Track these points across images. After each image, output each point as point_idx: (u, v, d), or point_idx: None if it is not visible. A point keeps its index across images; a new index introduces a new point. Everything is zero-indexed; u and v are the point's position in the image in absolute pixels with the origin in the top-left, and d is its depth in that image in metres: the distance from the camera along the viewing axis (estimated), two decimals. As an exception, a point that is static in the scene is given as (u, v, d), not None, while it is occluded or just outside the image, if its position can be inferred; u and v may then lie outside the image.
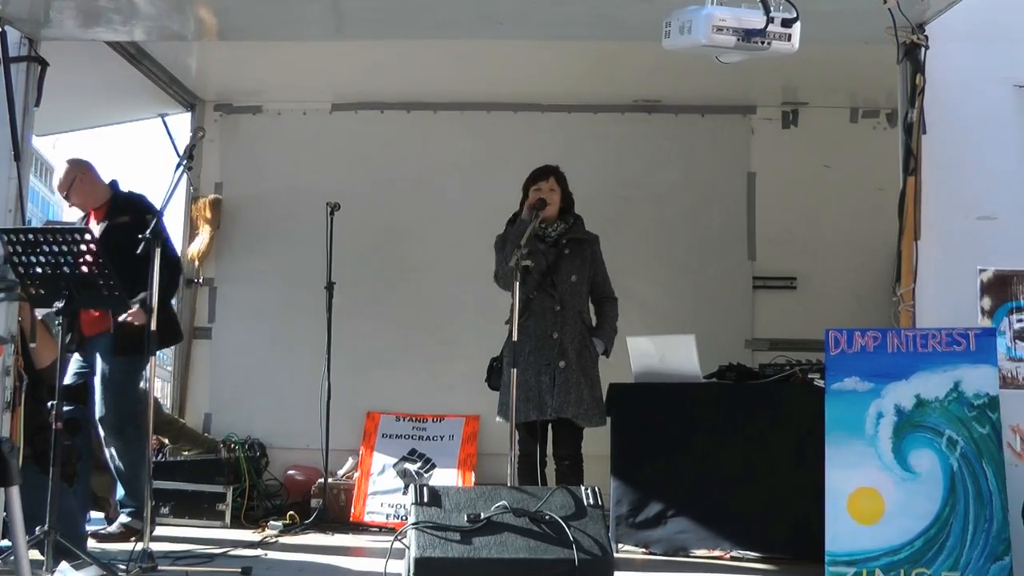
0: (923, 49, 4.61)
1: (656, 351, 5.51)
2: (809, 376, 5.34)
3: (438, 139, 7.27)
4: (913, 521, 4.22)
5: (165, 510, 6.22)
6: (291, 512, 6.30)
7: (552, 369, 5.43)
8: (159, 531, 5.67)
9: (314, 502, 6.47)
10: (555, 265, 5.53)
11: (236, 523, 6.25)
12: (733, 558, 5.33)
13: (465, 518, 4.34)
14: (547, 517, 4.35)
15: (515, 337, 5.08)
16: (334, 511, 6.47)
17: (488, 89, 7.07)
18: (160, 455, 6.44)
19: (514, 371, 5.06)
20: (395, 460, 6.73)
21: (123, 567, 4.52)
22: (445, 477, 6.59)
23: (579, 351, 5.50)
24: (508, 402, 5.21)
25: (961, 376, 4.28)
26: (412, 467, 6.68)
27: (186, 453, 6.59)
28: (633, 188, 7.20)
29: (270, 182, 7.27)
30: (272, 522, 6.18)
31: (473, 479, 6.59)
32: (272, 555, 5.37)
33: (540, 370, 5.43)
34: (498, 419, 5.57)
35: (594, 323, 5.68)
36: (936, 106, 4.65)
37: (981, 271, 4.63)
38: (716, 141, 7.24)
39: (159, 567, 4.68)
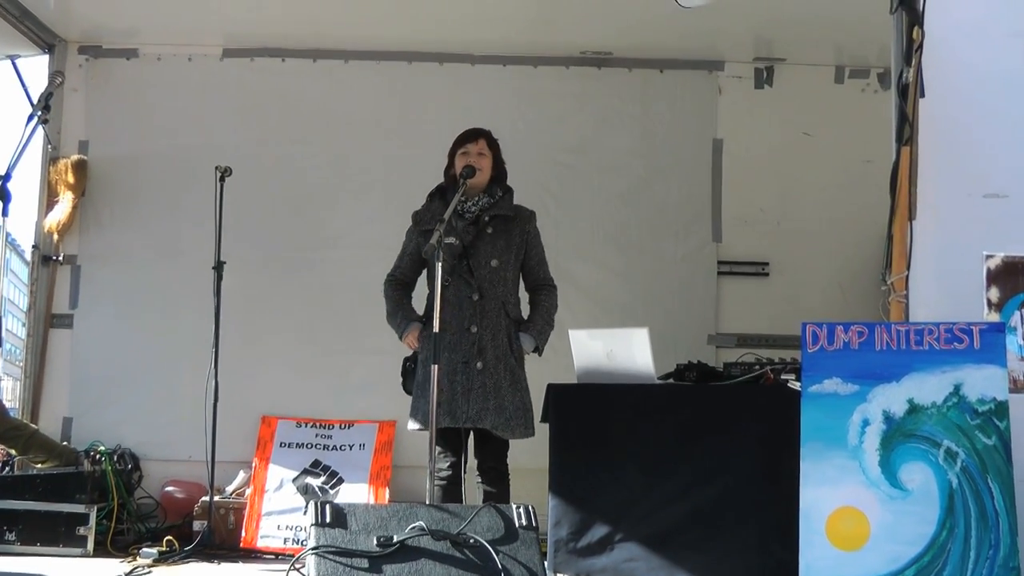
0: (921, -3, 4.62)
1: (603, 346, 5.47)
2: (782, 377, 5.29)
3: (349, 94, 7.26)
4: (903, 547, 4.21)
5: (11, 536, 6.12)
6: (169, 537, 6.22)
7: (469, 370, 5.44)
8: (1, 563, 5.59)
9: (197, 525, 6.43)
10: (473, 246, 5.52)
11: (101, 551, 6.18)
12: (691, 591, 5.30)
13: (375, 541, 4.34)
14: (471, 541, 4.37)
15: (436, 328, 5.09)
16: (221, 535, 6.45)
17: (409, 36, 7.07)
18: (6, 468, 6.39)
19: (435, 368, 5.05)
20: (295, 474, 6.75)
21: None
22: (355, 494, 6.61)
23: (501, 350, 5.51)
24: (422, 406, 5.24)
25: (963, 378, 4.28)
26: (315, 482, 6.70)
27: (39, 466, 6.54)
28: (578, 155, 7.25)
29: (147, 141, 7.22)
30: (145, 549, 6.10)
31: (388, 496, 6.61)
32: (144, 589, 5.31)
33: (455, 369, 5.43)
34: (410, 426, 5.56)
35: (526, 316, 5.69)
36: (936, 64, 4.65)
37: (988, 257, 4.64)
38: (677, 102, 7.30)
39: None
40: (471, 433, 5.55)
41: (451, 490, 5.40)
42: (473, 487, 5.56)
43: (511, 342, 5.56)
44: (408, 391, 5.63)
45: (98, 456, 6.54)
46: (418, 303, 5.65)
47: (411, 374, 5.61)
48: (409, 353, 5.63)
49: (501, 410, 5.45)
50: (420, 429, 5.44)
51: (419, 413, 5.43)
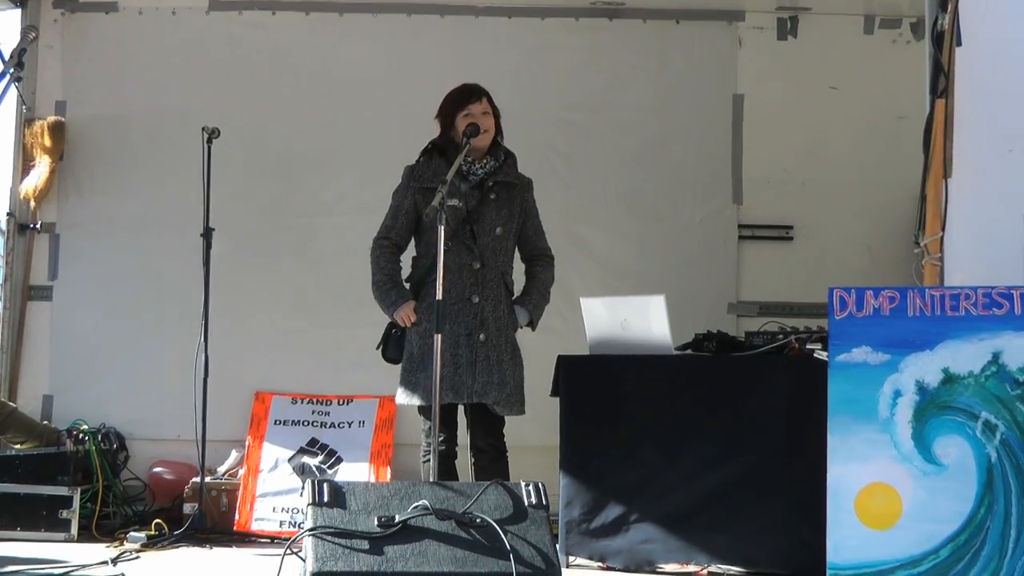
0: (959, -65, 4.60)
1: (617, 315, 5.49)
2: (808, 347, 5.32)
3: (344, 49, 7.23)
4: (938, 525, 4.20)
5: (-10, 520, 6.17)
6: (157, 520, 6.23)
7: (472, 342, 5.44)
8: (-19, 546, 5.63)
9: (187, 507, 6.45)
10: (477, 212, 5.50)
11: (85, 535, 6.20)
12: (711, 574, 5.33)
13: (375, 521, 4.32)
14: (478, 520, 4.34)
15: (439, 295, 5.07)
16: (213, 518, 6.47)
17: (408, -14, 7.06)
18: (-16, 449, 6.44)
19: (438, 337, 5.05)
20: (291, 453, 6.77)
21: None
22: (354, 474, 6.63)
23: (502, 321, 5.53)
24: (422, 380, 5.25)
25: (1002, 346, 4.24)
26: (312, 462, 6.72)
27: (18, 446, 6.55)
28: (589, 114, 7.22)
29: (129, 101, 7.19)
30: (132, 534, 6.12)
31: (389, 476, 6.63)
32: None
33: (457, 341, 5.43)
34: (405, 400, 5.57)
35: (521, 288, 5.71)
36: (974, 10, 4.61)
37: (1029, 216, 4.63)
38: (694, 55, 7.26)
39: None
40: (462, 410, 5.56)
41: (445, 466, 5.39)
42: (463, 468, 5.57)
43: (510, 314, 5.58)
44: (389, 359, 5.62)
45: (81, 436, 6.55)
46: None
47: (394, 341, 5.59)
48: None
49: (503, 385, 5.47)
50: (422, 405, 5.44)
51: (419, 388, 5.43)
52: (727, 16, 7.22)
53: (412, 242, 5.67)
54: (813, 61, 7.18)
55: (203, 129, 6.35)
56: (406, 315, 5.49)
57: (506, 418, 5.54)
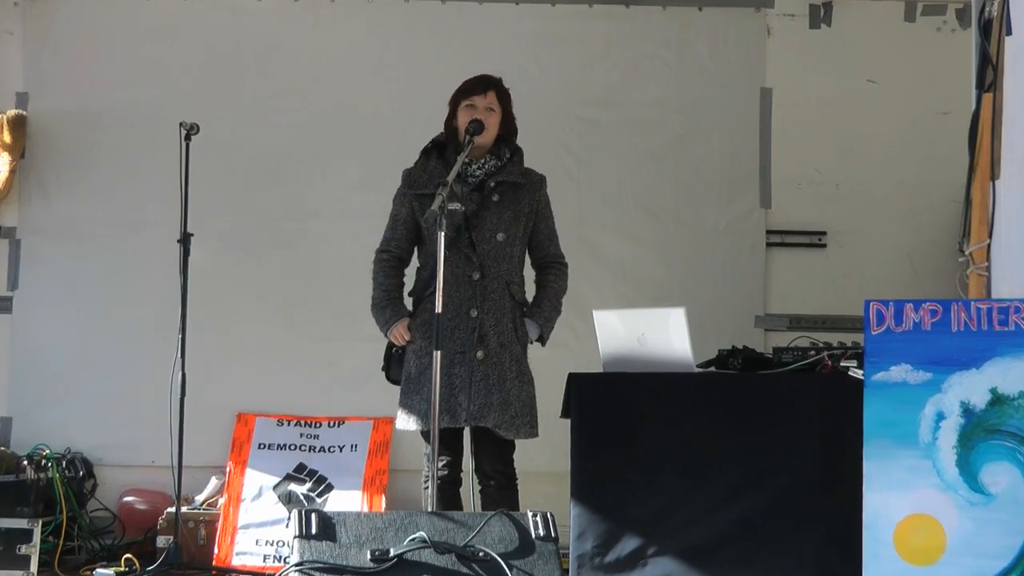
0: (1008, -86, 4.62)
1: (634, 330, 5.48)
2: (842, 364, 5.31)
3: (336, 38, 7.26)
4: (986, 561, 4.19)
5: (-59, 554, 6.18)
6: (128, 555, 6.26)
7: (468, 360, 5.45)
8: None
9: (161, 540, 6.44)
10: (476, 217, 5.52)
11: (47, 572, 6.18)
12: (736, 613, 5.32)
13: (368, 556, 4.36)
14: (480, 554, 4.39)
15: (438, 308, 5.10)
16: (190, 552, 6.48)
17: (406, -32, 7.09)
18: (-65, 476, 6.43)
19: (437, 354, 5.07)
20: (276, 480, 6.80)
21: None
22: (346, 502, 6.65)
23: (506, 336, 5.54)
24: (417, 403, 5.30)
25: (1057, 363, 4.28)
26: (300, 489, 6.74)
27: None
28: (605, 109, 7.25)
29: (98, 93, 7.21)
30: (100, 570, 6.14)
31: (384, 504, 6.65)
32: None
33: (452, 360, 5.44)
34: (403, 425, 5.60)
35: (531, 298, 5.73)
36: (1027, -3, 4.65)
37: (1086, 222, 4.62)
38: (719, 45, 7.30)
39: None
40: (466, 433, 5.58)
41: (448, 494, 5.42)
42: (466, 495, 5.61)
43: (516, 328, 5.59)
44: (391, 380, 5.66)
45: (43, 462, 6.56)
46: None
47: (395, 360, 5.63)
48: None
49: (506, 406, 5.47)
50: (406, 429, 5.48)
51: (415, 411, 5.45)
52: (754, 2, 7.25)
53: (416, 254, 5.70)
54: (849, 52, 7.20)
55: (181, 125, 6.34)
56: (399, 334, 5.52)
57: (516, 442, 5.56)
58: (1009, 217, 4.57)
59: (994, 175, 4.61)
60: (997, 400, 4.26)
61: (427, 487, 5.36)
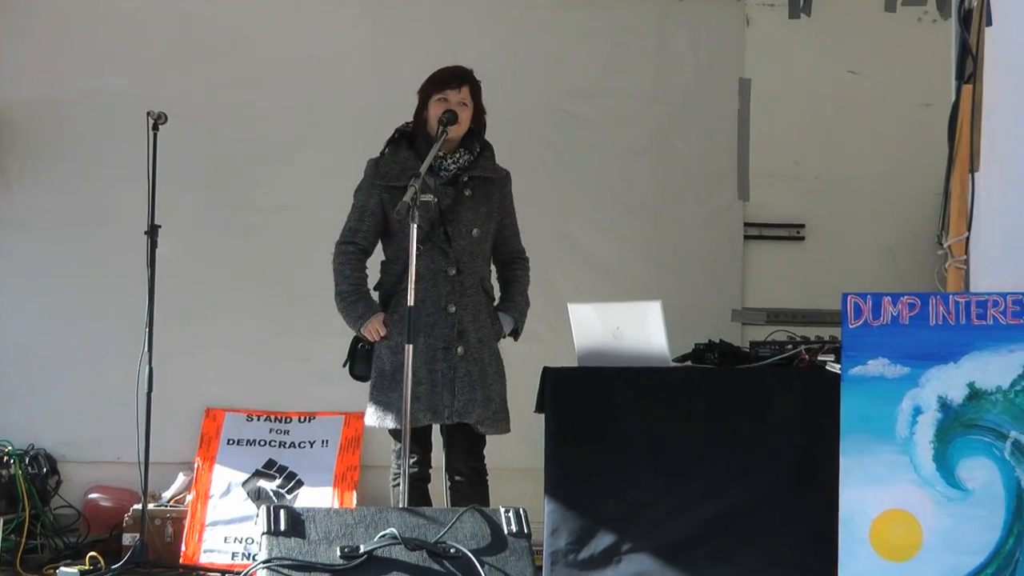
0: (989, -98, 4.62)
1: (609, 323, 5.51)
2: (819, 358, 5.36)
3: (309, 26, 7.24)
4: (963, 556, 4.22)
5: (-100, 554, 6.17)
6: (93, 553, 6.24)
7: (450, 356, 5.47)
8: None
9: (127, 538, 6.43)
10: (452, 211, 5.53)
11: (8, 571, 6.17)
12: (713, 611, 5.36)
13: (338, 552, 4.35)
14: (451, 551, 4.37)
15: (411, 301, 5.10)
16: (157, 550, 6.46)
17: (379, -45, 7.08)
18: None
19: (409, 348, 5.07)
20: (245, 476, 6.79)
21: None
22: (316, 499, 6.65)
23: (484, 332, 5.57)
24: (395, 400, 5.25)
25: (1035, 358, 4.29)
26: (269, 486, 6.73)
27: None
28: (583, 101, 7.26)
29: (63, 83, 7.15)
30: (64, 569, 6.12)
31: (355, 501, 6.65)
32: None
33: (434, 356, 5.45)
34: (376, 422, 5.59)
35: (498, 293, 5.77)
36: (1008, -13, 4.66)
37: (1066, 216, 4.65)
38: (698, 36, 7.32)
39: None
40: (438, 430, 5.59)
41: (418, 491, 5.42)
42: (436, 492, 5.60)
43: (492, 323, 5.62)
44: (357, 377, 5.66)
45: (6, 458, 6.54)
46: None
47: (361, 356, 5.62)
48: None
49: (488, 402, 5.50)
50: (394, 429, 5.47)
51: (392, 408, 5.44)
52: (734, -8, 7.28)
53: (380, 246, 5.70)
54: (828, 42, 7.22)
55: (148, 114, 6.34)
56: (375, 329, 5.51)
57: (487, 438, 5.58)
58: (988, 210, 4.58)
59: (973, 167, 4.61)
60: (975, 395, 4.29)
61: (397, 485, 5.37)
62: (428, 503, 5.50)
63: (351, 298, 5.57)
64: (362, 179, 5.66)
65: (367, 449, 6.77)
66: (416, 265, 5.22)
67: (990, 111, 4.62)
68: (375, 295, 5.64)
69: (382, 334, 5.50)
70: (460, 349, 5.48)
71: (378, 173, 5.60)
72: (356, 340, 5.64)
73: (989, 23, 4.62)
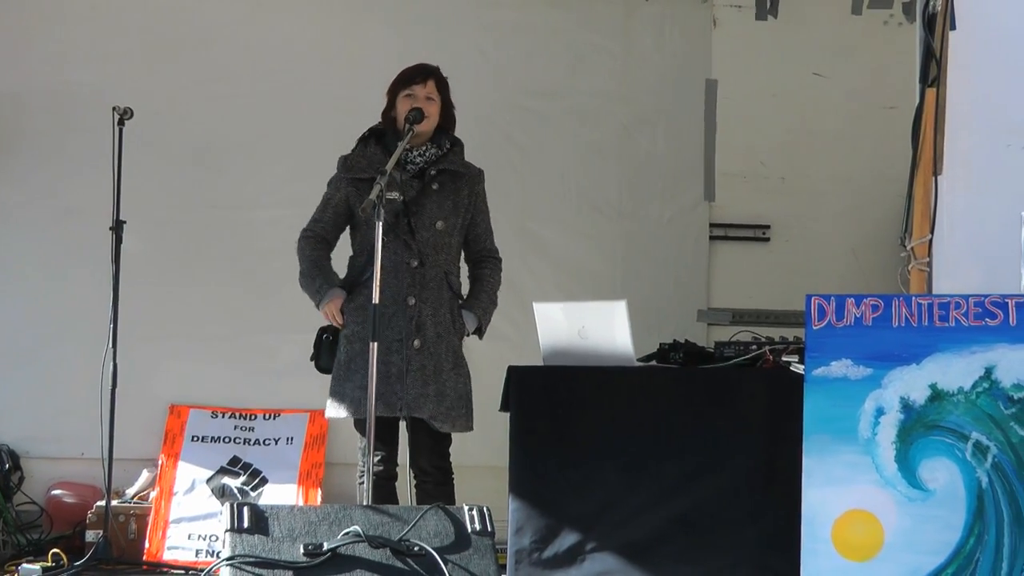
0: (953, -93, 4.64)
1: (574, 323, 5.50)
2: (783, 359, 5.34)
3: (276, 21, 7.23)
4: (923, 557, 4.22)
5: None
6: (55, 550, 6.22)
7: (405, 349, 5.46)
8: None
9: (91, 535, 6.44)
10: (416, 204, 5.52)
11: (-29, 567, 6.16)
12: (676, 610, 5.36)
13: (301, 550, 4.33)
14: (415, 548, 4.36)
15: (376, 299, 5.11)
16: (120, 547, 6.46)
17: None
18: None
19: (374, 346, 5.07)
20: (210, 473, 6.79)
21: None
22: (281, 496, 6.65)
23: (443, 327, 5.55)
24: (349, 391, 5.27)
25: (995, 360, 4.26)
26: (233, 483, 6.74)
27: None
28: (547, 100, 7.27)
29: (27, 77, 7.12)
30: (26, 566, 6.09)
31: (320, 498, 6.65)
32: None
33: (389, 348, 5.44)
34: (331, 412, 5.58)
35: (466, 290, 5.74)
36: (971, -8, 4.68)
37: (1028, 219, 4.67)
38: (664, 36, 7.33)
39: None
40: (402, 425, 5.57)
41: (384, 490, 5.42)
42: (403, 490, 5.59)
43: (454, 319, 5.60)
44: (321, 369, 5.65)
45: (-33, 455, 6.52)
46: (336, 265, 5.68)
47: (326, 348, 5.62)
48: (326, 323, 5.64)
49: (441, 397, 5.48)
50: (358, 420, 5.46)
51: (346, 398, 5.44)
52: (700, -8, 7.29)
53: (350, 240, 5.69)
54: (794, 44, 7.25)
55: (114, 109, 6.34)
56: (333, 309, 5.50)
57: (452, 436, 5.57)
58: (951, 213, 4.61)
59: (936, 171, 4.62)
60: (936, 396, 4.28)
61: (362, 482, 5.37)
62: (395, 501, 5.48)
63: (310, 274, 5.59)
64: (333, 174, 5.66)
65: (332, 446, 6.78)
66: (380, 257, 5.22)
67: (953, 114, 4.64)
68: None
69: (339, 321, 5.49)
70: (416, 342, 5.47)
71: (346, 166, 5.63)
72: (321, 332, 5.64)
73: (953, 27, 4.64)
